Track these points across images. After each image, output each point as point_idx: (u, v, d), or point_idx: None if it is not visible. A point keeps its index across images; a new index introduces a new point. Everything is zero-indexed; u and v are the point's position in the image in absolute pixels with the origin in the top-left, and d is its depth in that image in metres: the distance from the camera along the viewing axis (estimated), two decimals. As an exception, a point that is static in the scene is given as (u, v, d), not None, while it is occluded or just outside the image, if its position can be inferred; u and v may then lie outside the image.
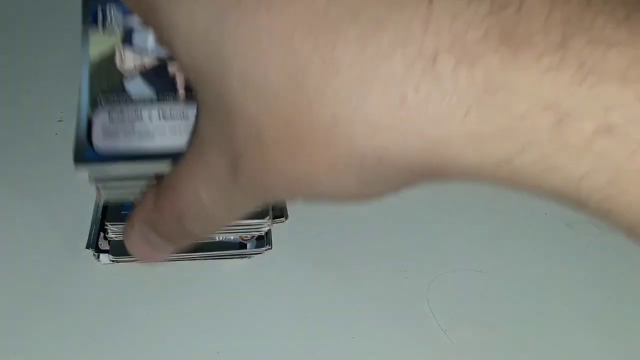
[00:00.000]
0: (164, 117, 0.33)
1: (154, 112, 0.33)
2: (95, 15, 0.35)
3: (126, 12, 0.36)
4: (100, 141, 0.32)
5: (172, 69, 0.34)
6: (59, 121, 0.44)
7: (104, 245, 0.41)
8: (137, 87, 0.33)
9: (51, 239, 0.41)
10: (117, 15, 0.35)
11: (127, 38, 0.34)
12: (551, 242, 0.42)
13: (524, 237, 0.42)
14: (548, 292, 0.40)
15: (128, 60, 0.34)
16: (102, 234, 0.41)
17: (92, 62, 0.34)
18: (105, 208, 0.42)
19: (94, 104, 0.33)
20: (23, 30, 0.48)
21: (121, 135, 0.32)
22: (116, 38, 0.35)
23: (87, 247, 0.41)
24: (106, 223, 0.41)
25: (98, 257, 0.41)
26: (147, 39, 0.35)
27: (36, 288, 0.40)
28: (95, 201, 0.42)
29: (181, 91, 0.34)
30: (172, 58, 0.34)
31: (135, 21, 0.35)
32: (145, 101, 0.33)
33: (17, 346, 0.38)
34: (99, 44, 0.34)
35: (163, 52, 0.34)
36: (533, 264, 0.41)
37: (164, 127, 0.33)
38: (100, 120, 0.33)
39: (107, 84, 0.33)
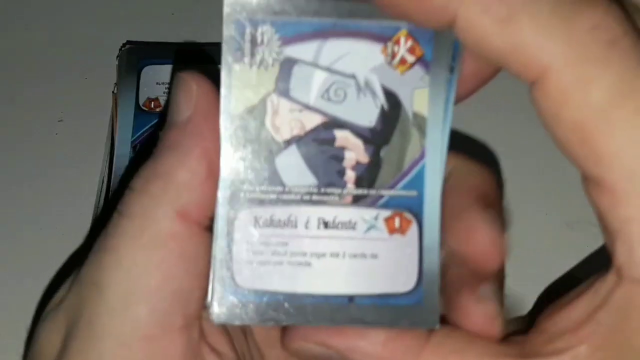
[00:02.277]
0: (325, 225, 0.26)
1: (313, 218, 0.25)
2: (242, 39, 0.25)
3: (287, 34, 0.25)
4: (242, 274, 0.25)
5: (343, 141, 0.26)
6: (59, 121, 0.44)
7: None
8: (291, 167, 0.25)
9: (50, 239, 0.41)
10: (271, 42, 0.25)
11: (283, 78, 0.25)
12: (551, 242, 0.42)
13: (524, 237, 0.42)
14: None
15: (283, 118, 0.25)
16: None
17: (234, 121, 0.25)
18: (104, 209, 0.42)
19: (235, 199, 0.25)
20: (22, 30, 0.47)
21: (270, 265, 0.25)
22: (270, 79, 0.25)
23: (86, 248, 0.41)
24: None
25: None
26: (311, 82, 0.25)
27: (35, 288, 0.40)
28: (95, 201, 0.42)
29: (350, 185, 0.26)
30: (343, 123, 0.25)
31: (299, 51, 0.25)
32: (301, 195, 0.25)
33: (16, 348, 0.38)
34: (246, 89, 0.25)
35: (332, 108, 0.25)
36: (533, 263, 0.41)
37: (324, 246, 0.25)
38: (243, 235, 0.25)
39: (251, 160, 0.25)
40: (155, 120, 0.42)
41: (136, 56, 0.43)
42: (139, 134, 0.41)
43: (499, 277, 0.27)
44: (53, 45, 0.47)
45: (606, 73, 0.22)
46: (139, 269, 0.24)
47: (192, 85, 0.25)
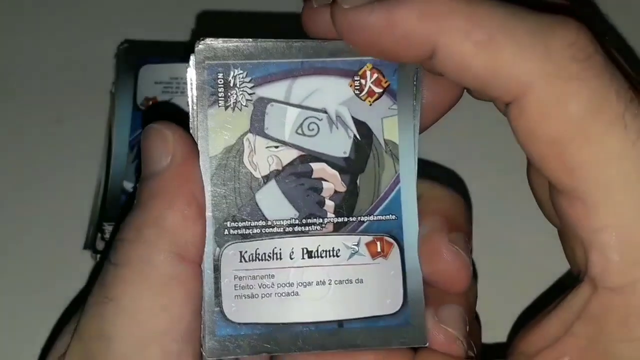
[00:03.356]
0: (309, 255, 0.26)
1: (297, 249, 0.26)
2: (215, 84, 0.26)
3: (258, 76, 0.26)
4: (232, 309, 0.26)
5: (320, 173, 0.27)
6: (56, 121, 0.44)
7: (101, 246, 0.41)
8: (272, 201, 0.26)
9: (48, 240, 0.41)
10: (244, 84, 0.26)
11: (258, 117, 0.26)
12: (551, 242, 0.42)
13: (524, 237, 0.42)
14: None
15: (260, 155, 0.26)
16: (99, 235, 0.41)
17: (212, 162, 0.26)
18: (102, 208, 0.42)
19: (219, 236, 0.26)
20: (20, 29, 0.47)
21: (258, 298, 0.26)
22: (244, 119, 0.26)
23: (85, 248, 0.40)
24: (104, 224, 0.40)
25: (96, 257, 0.41)
26: (285, 118, 0.26)
27: (33, 288, 0.40)
28: (93, 201, 0.42)
29: (331, 214, 0.27)
30: (318, 155, 0.26)
31: (271, 91, 0.26)
32: (283, 227, 0.26)
33: (14, 347, 0.38)
34: (222, 130, 0.26)
35: (307, 142, 0.26)
36: (533, 263, 0.41)
37: (310, 276, 0.26)
38: (230, 270, 0.26)
39: (233, 198, 0.26)
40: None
41: (134, 55, 0.43)
42: (136, 133, 0.41)
43: (466, 300, 0.28)
44: (50, 44, 0.47)
45: (582, 89, 0.23)
46: (145, 314, 0.25)
47: (167, 133, 0.26)
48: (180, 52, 0.41)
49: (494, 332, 0.36)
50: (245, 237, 0.25)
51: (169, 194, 0.25)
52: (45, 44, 0.47)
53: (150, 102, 0.42)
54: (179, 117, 0.26)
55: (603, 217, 0.24)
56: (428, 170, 0.30)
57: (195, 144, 0.26)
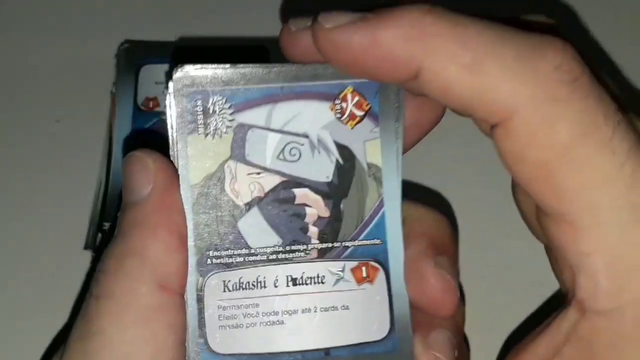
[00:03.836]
0: (293, 282, 0.26)
1: (282, 277, 0.26)
2: (194, 111, 0.25)
3: (237, 102, 0.26)
4: (216, 340, 0.25)
5: (303, 199, 0.26)
6: (56, 121, 0.44)
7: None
8: (255, 229, 0.26)
9: (48, 240, 0.41)
10: (223, 110, 0.26)
11: (238, 144, 0.26)
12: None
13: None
14: (549, 290, 0.39)
15: (242, 182, 0.26)
16: (100, 235, 0.42)
17: (193, 190, 0.25)
18: (102, 208, 0.42)
19: (202, 265, 0.25)
20: (19, 29, 0.47)
21: (243, 328, 0.25)
22: (225, 146, 0.26)
23: (85, 248, 0.40)
24: (104, 223, 0.40)
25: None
26: (266, 144, 0.26)
27: (33, 289, 0.40)
28: (93, 201, 0.42)
29: (315, 240, 0.26)
30: (301, 180, 0.26)
31: (251, 116, 0.26)
32: (267, 255, 0.26)
33: (15, 347, 0.39)
34: (203, 158, 0.25)
35: (289, 167, 0.26)
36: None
37: (295, 304, 0.26)
38: (214, 300, 0.25)
39: (215, 226, 0.25)
40: (154, 120, 0.41)
41: (134, 55, 0.43)
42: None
43: (454, 324, 0.28)
44: (50, 44, 0.47)
45: (569, 112, 0.23)
46: (130, 347, 0.24)
47: (148, 161, 0.25)
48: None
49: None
50: (228, 266, 0.25)
51: (151, 224, 0.25)
52: (46, 44, 0.47)
53: (151, 103, 0.42)
54: (161, 146, 0.26)
55: (591, 242, 0.23)
56: (412, 192, 0.29)
57: (177, 172, 0.25)
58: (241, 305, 0.25)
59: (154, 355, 0.24)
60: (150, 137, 0.41)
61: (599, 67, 0.25)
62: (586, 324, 0.24)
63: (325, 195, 0.26)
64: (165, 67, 0.42)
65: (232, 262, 0.25)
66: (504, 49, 0.23)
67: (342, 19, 0.24)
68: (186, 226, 0.25)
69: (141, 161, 0.25)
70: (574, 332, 0.24)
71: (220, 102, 0.25)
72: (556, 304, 0.26)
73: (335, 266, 0.26)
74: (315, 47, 0.25)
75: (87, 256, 0.40)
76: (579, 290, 0.24)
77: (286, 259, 0.25)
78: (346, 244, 0.26)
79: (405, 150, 0.28)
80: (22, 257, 0.41)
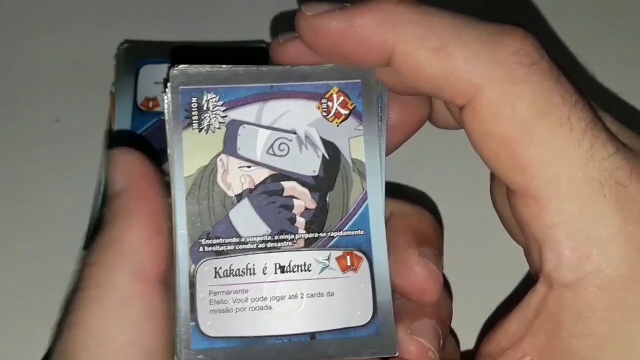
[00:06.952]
0: (281, 269, 0.27)
1: (270, 264, 0.27)
2: (189, 108, 0.27)
3: (230, 100, 0.27)
4: (207, 324, 0.26)
5: (291, 191, 0.28)
6: (56, 121, 0.44)
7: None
8: (245, 219, 0.27)
9: (48, 240, 0.41)
10: (216, 107, 0.27)
11: (230, 139, 0.27)
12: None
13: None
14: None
15: (233, 175, 0.27)
16: (99, 235, 0.42)
17: (187, 181, 0.27)
18: (102, 208, 0.42)
19: (195, 253, 0.27)
20: (19, 29, 0.48)
21: (232, 312, 0.26)
22: (218, 141, 0.27)
23: (85, 248, 0.41)
24: (103, 224, 0.41)
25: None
26: (256, 140, 0.28)
27: (33, 289, 0.40)
28: (93, 201, 0.42)
29: (302, 230, 0.28)
30: (289, 174, 0.28)
31: (243, 113, 0.27)
32: (256, 244, 0.27)
33: (15, 347, 0.39)
34: (197, 151, 0.27)
35: (278, 162, 0.28)
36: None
37: (282, 290, 0.27)
38: (205, 286, 0.26)
39: (208, 217, 0.27)
40: (154, 120, 0.41)
41: (134, 55, 0.43)
42: (137, 133, 0.41)
43: (439, 315, 0.29)
44: (50, 44, 0.47)
45: (528, 92, 0.25)
46: (108, 332, 0.26)
47: (125, 157, 0.27)
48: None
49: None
50: (219, 254, 0.26)
51: (127, 215, 0.26)
52: (46, 43, 0.47)
53: (150, 103, 0.42)
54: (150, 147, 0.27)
55: (554, 214, 0.25)
56: (398, 193, 0.31)
57: (154, 166, 0.27)
58: (231, 291, 0.26)
59: (133, 339, 0.25)
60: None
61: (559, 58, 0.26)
62: (553, 297, 0.25)
63: (312, 188, 0.28)
64: (165, 67, 0.42)
65: (223, 250, 0.26)
66: (467, 34, 0.25)
67: (322, 7, 0.26)
68: (163, 213, 0.26)
69: (118, 157, 0.27)
70: (543, 306, 0.25)
71: (214, 99, 0.27)
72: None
73: (321, 255, 0.27)
74: (300, 55, 0.27)
75: (86, 256, 0.40)
76: (545, 264, 0.25)
77: (274, 247, 0.27)
78: (332, 234, 0.28)
79: (392, 150, 0.29)
80: (22, 257, 0.41)
